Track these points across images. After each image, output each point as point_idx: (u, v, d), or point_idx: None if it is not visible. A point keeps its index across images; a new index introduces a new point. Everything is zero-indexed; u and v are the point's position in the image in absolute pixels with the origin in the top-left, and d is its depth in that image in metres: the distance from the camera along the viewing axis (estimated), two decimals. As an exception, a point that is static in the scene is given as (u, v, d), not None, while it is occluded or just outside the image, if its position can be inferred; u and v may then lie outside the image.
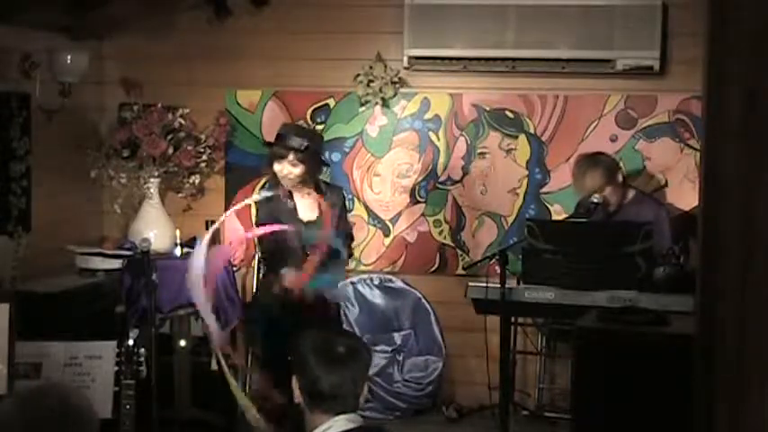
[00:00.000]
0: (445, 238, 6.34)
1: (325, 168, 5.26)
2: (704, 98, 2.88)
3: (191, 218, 6.35)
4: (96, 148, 6.07)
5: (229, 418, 5.68)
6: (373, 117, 6.34)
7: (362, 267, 6.39)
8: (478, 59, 6.14)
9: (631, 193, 5.64)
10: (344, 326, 5.79)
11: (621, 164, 5.86)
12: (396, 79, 6.25)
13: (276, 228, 4.81)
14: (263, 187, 5.16)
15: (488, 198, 6.28)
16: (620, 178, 5.63)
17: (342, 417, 2.95)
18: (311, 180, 4.97)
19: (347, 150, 6.37)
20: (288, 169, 4.86)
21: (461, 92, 6.27)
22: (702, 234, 2.86)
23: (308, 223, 4.94)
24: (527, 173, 6.24)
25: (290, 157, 4.83)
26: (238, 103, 6.47)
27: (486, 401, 5.98)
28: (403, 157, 6.35)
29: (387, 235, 6.39)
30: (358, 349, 3.03)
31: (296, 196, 4.99)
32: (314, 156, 4.90)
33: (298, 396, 3.00)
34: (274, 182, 4.99)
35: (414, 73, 6.26)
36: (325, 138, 6.35)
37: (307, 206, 4.99)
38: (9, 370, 4.12)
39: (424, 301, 6.29)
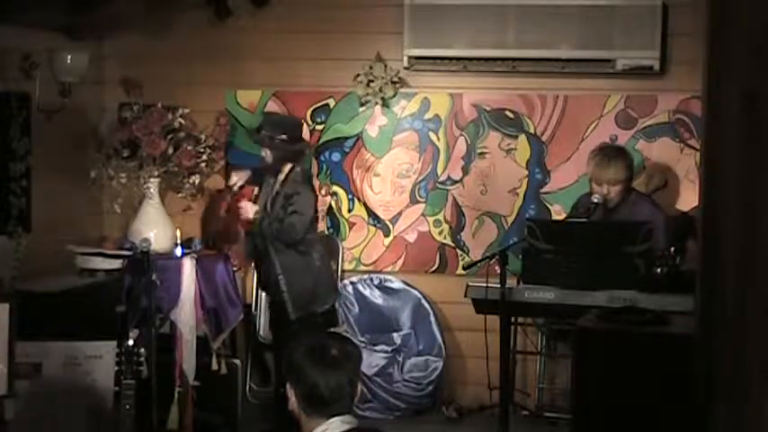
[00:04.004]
0: (445, 238, 6.33)
1: (301, 156, 5.77)
2: (704, 98, 2.88)
3: (191, 218, 6.35)
4: (96, 148, 6.06)
5: (230, 418, 5.68)
6: (373, 117, 6.34)
7: (362, 267, 6.39)
8: (478, 59, 6.14)
9: (632, 195, 5.61)
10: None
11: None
12: (396, 79, 6.25)
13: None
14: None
15: (488, 198, 6.28)
16: (632, 180, 5.60)
17: (336, 419, 2.95)
18: (275, 168, 5.59)
19: (347, 150, 6.37)
20: (264, 152, 5.62)
21: (461, 92, 6.27)
22: (702, 234, 2.86)
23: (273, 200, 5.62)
24: (527, 173, 6.24)
25: (265, 143, 5.59)
26: (238, 103, 6.47)
27: (487, 401, 5.98)
28: (403, 157, 6.35)
29: (387, 235, 6.39)
30: (350, 350, 3.04)
31: (279, 177, 5.64)
32: (282, 145, 5.56)
33: (293, 403, 3.00)
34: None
35: (414, 73, 6.26)
36: (325, 138, 6.35)
37: (276, 187, 5.65)
38: (9, 370, 4.12)
39: (424, 301, 6.29)
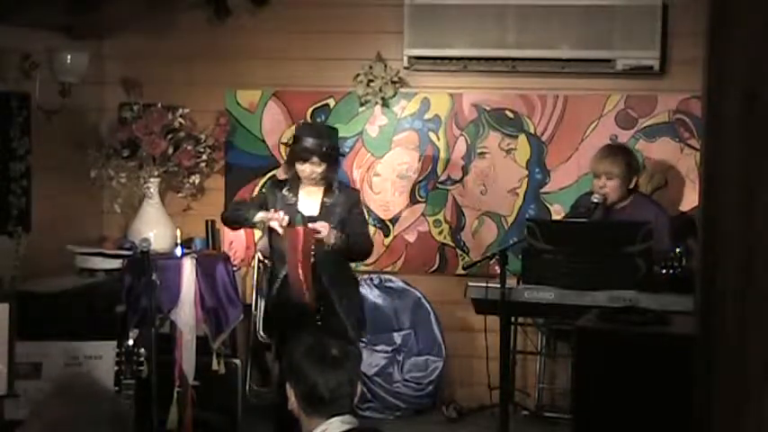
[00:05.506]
0: (445, 238, 6.33)
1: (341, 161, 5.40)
2: (704, 98, 2.87)
3: (191, 218, 6.36)
4: (96, 148, 6.07)
5: (230, 418, 5.69)
6: (373, 117, 6.34)
7: (362, 267, 6.38)
8: (478, 59, 6.14)
9: (635, 196, 5.58)
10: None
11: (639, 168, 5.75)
12: (396, 79, 6.25)
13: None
14: (264, 184, 5.40)
15: (488, 198, 6.28)
16: (632, 179, 5.54)
17: (336, 419, 2.95)
18: (329, 177, 5.02)
19: (347, 150, 6.36)
20: (311, 169, 4.93)
21: (461, 92, 6.27)
22: (702, 234, 2.86)
23: (309, 218, 5.00)
24: (527, 173, 6.24)
25: (314, 158, 4.91)
26: (238, 103, 6.47)
27: (487, 401, 5.98)
28: (403, 157, 6.35)
29: (387, 235, 6.38)
30: (350, 350, 3.05)
31: (301, 192, 5.05)
32: (334, 153, 5.01)
33: (293, 402, 3.00)
34: (293, 179, 5.05)
35: (414, 73, 6.26)
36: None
37: (309, 202, 5.04)
38: (9, 370, 4.12)
39: (424, 301, 6.29)
